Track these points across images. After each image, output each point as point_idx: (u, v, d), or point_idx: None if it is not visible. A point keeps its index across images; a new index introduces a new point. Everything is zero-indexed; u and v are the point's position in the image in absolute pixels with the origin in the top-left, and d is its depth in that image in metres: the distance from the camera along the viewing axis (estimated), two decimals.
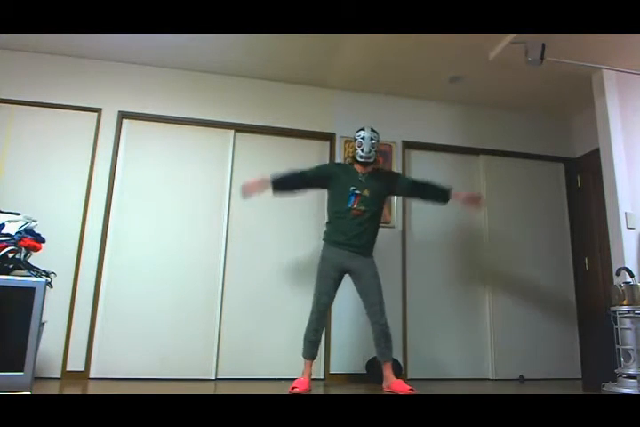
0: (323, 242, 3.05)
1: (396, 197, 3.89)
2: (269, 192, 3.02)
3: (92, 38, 3.43)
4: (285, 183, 3.00)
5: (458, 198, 3.06)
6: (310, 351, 2.90)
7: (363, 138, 2.97)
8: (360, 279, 2.92)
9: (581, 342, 4.04)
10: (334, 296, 2.94)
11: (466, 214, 4.11)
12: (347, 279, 2.99)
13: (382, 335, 2.86)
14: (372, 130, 3.01)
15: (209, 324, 3.47)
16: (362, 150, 2.96)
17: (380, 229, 3.29)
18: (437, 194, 3.06)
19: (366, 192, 2.95)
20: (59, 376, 3.19)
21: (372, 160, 2.99)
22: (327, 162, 3.91)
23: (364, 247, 2.95)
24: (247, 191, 3.00)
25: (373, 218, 2.98)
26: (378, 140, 3.01)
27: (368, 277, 2.91)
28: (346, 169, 3.04)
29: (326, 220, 3.10)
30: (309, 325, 2.90)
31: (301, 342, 2.94)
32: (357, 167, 3.03)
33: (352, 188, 2.95)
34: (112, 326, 3.34)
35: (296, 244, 3.75)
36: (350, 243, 2.92)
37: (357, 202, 2.93)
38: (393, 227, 3.86)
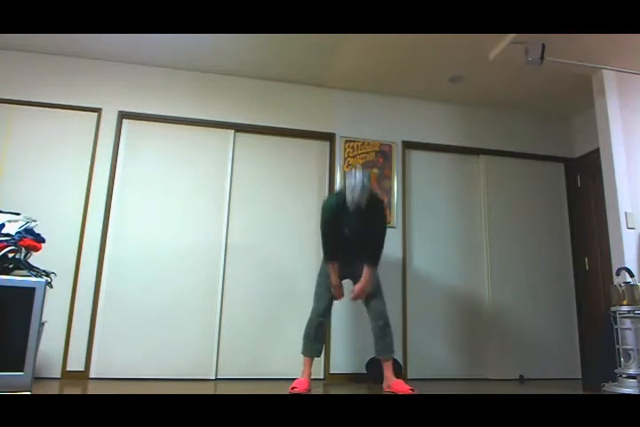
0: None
1: (395, 197, 3.91)
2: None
3: (92, 38, 3.43)
4: (338, 253, 2.94)
5: (358, 285, 2.92)
6: (310, 349, 2.90)
7: (354, 183, 2.74)
8: (360, 277, 2.94)
9: (581, 342, 4.04)
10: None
11: (466, 215, 4.12)
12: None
13: (381, 333, 2.87)
14: (363, 171, 2.80)
15: (209, 324, 3.47)
16: (352, 196, 2.74)
17: None
18: (370, 256, 2.92)
19: (358, 225, 2.91)
20: (59, 376, 3.18)
21: (363, 204, 2.79)
22: (327, 161, 3.92)
23: (365, 259, 2.95)
24: (339, 295, 2.96)
25: (369, 239, 2.92)
26: (369, 180, 2.84)
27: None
28: (338, 207, 2.89)
29: None
30: (311, 320, 2.92)
31: (301, 342, 2.94)
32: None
33: (345, 226, 2.91)
34: (112, 326, 3.33)
35: (296, 242, 3.74)
36: (350, 262, 3.01)
37: (350, 231, 2.92)
38: (393, 227, 3.86)
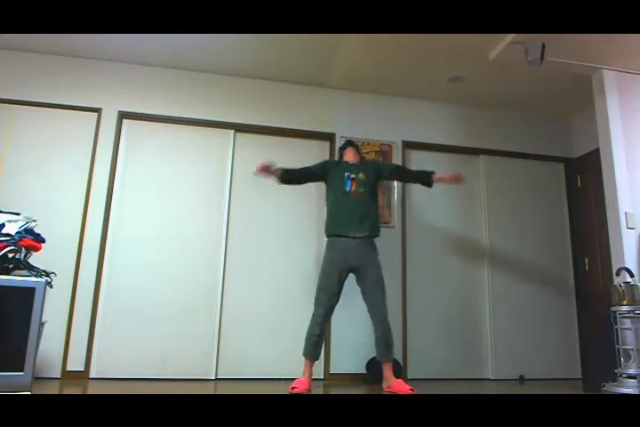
0: (326, 239, 3.05)
1: (395, 197, 3.91)
2: (274, 182, 3.18)
3: (92, 38, 3.43)
4: (291, 173, 3.13)
5: (442, 181, 3.11)
6: (311, 351, 2.89)
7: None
8: (364, 279, 2.93)
9: (581, 342, 4.04)
10: (339, 297, 2.94)
11: (466, 215, 4.12)
12: (349, 278, 2.99)
13: (383, 336, 2.87)
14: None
15: (209, 324, 3.47)
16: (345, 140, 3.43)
17: (381, 229, 3.28)
18: (421, 176, 3.15)
19: (361, 175, 3.10)
20: (59, 376, 3.19)
21: (356, 143, 3.34)
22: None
23: (369, 230, 2.99)
24: (259, 172, 3.07)
25: (372, 199, 3.09)
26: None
27: (372, 277, 2.91)
28: (339, 163, 3.24)
29: (326, 216, 3.12)
30: (312, 326, 2.89)
31: (302, 342, 2.94)
32: (348, 158, 3.23)
33: (347, 173, 3.10)
34: (112, 325, 3.34)
35: (297, 243, 3.74)
36: (355, 227, 2.96)
37: (355, 184, 3.05)
38: (393, 227, 3.86)
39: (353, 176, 3.07)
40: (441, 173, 3.08)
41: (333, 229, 3.01)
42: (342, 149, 3.31)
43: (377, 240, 3.05)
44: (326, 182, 3.18)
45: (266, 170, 3.02)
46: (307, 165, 3.19)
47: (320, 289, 2.93)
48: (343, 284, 2.95)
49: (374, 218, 3.04)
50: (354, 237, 2.95)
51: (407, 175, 3.23)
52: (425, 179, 3.11)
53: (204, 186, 3.70)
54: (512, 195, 4.25)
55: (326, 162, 3.27)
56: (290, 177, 3.11)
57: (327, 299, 2.89)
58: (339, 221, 2.99)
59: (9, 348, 2.18)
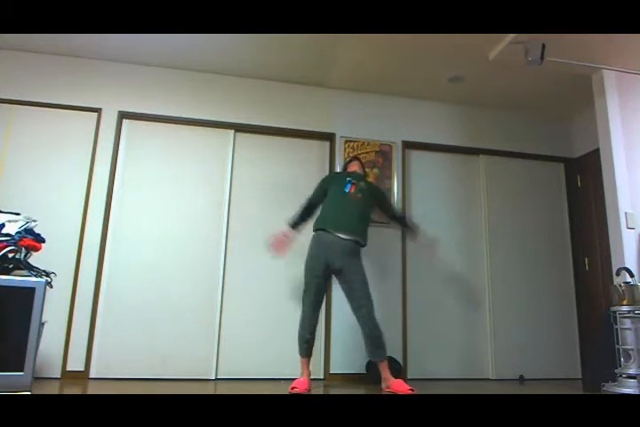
0: (313, 234, 3.02)
1: (395, 197, 3.91)
2: (294, 234, 3.13)
3: (92, 38, 3.43)
4: (302, 218, 3.12)
5: (411, 233, 3.33)
6: (306, 350, 2.89)
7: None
8: (346, 282, 2.87)
9: (581, 342, 4.04)
10: (324, 294, 2.95)
11: (466, 215, 4.11)
12: None
13: (371, 334, 2.81)
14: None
15: (209, 324, 3.47)
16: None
17: (380, 229, 3.29)
18: (402, 221, 3.29)
19: (362, 183, 3.12)
20: (59, 376, 3.18)
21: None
22: (327, 161, 3.93)
23: (358, 235, 2.93)
24: (278, 250, 3.12)
25: (368, 208, 3.07)
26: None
27: (355, 281, 2.84)
28: (340, 174, 3.32)
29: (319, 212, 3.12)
30: (303, 326, 2.89)
31: (297, 343, 2.94)
32: (352, 168, 3.29)
33: (348, 178, 3.13)
34: (112, 325, 3.33)
35: (296, 243, 3.74)
36: (344, 226, 2.91)
37: (354, 188, 3.06)
38: (393, 227, 3.86)
39: (354, 181, 3.10)
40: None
41: (322, 224, 2.96)
42: (348, 162, 3.38)
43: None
44: (328, 191, 3.13)
45: (283, 245, 3.07)
46: (306, 200, 3.16)
47: (306, 286, 2.91)
48: (327, 282, 2.94)
49: (365, 226, 3.00)
50: (340, 238, 2.90)
51: (390, 212, 3.26)
52: (404, 223, 3.27)
53: (204, 186, 3.70)
54: (512, 195, 4.25)
55: (323, 180, 3.21)
56: (301, 222, 3.12)
57: (314, 297, 2.89)
58: (330, 217, 2.97)
59: (9, 348, 2.18)
